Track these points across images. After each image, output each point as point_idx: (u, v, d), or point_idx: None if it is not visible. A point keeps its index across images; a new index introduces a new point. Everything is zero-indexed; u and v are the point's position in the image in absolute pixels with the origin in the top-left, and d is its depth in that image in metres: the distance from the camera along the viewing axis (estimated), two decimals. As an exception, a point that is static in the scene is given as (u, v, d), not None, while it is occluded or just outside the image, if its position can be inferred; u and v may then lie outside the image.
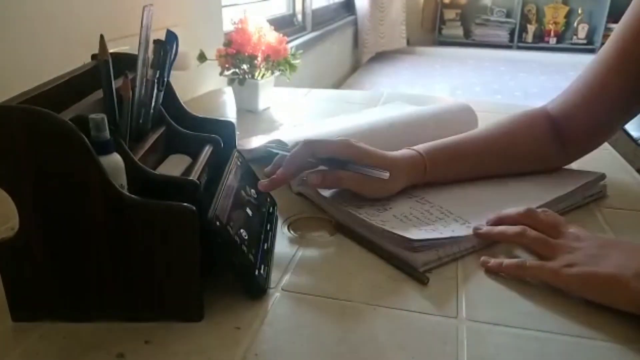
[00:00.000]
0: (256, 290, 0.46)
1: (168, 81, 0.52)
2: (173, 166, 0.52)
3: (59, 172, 0.38)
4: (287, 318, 0.44)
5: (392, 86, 3.06)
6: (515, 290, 0.47)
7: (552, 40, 4.22)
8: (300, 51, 1.08)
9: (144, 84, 0.49)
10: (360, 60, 3.55)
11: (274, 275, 0.49)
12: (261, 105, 1.03)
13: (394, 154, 0.61)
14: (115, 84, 0.46)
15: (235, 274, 0.46)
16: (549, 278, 0.47)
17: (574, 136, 0.66)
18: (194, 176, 0.46)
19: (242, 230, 0.47)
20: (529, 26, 4.25)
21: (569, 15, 4.21)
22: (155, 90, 0.50)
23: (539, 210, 0.54)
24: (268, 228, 0.55)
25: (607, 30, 4.02)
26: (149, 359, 0.39)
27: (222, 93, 1.17)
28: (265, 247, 0.51)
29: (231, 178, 0.51)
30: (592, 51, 4.06)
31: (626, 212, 0.62)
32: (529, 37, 4.26)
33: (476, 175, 0.66)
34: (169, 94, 0.55)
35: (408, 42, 4.09)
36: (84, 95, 0.46)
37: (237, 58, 0.97)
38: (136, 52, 0.48)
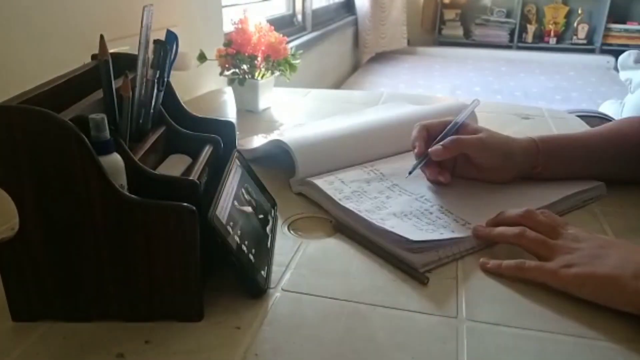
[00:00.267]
0: (256, 290, 0.46)
1: (168, 81, 0.52)
2: (173, 166, 0.52)
3: (59, 172, 0.38)
4: (287, 318, 0.44)
5: (392, 86, 3.06)
6: (515, 290, 0.47)
7: (552, 41, 4.22)
8: (300, 51, 1.08)
9: (144, 84, 0.49)
10: (361, 61, 3.55)
11: (274, 275, 0.49)
12: (261, 105, 1.03)
13: (513, 139, 0.65)
14: (115, 84, 0.46)
15: (235, 274, 0.46)
16: (547, 279, 0.47)
17: None
18: (194, 176, 0.46)
19: (242, 230, 0.47)
20: (529, 26, 4.25)
21: (569, 16, 4.21)
22: (155, 90, 0.50)
23: (538, 211, 0.54)
24: (268, 228, 0.55)
25: (607, 31, 4.03)
26: (149, 359, 0.39)
27: (222, 93, 1.17)
28: (265, 247, 0.51)
29: (231, 178, 0.51)
30: (592, 51, 4.06)
31: (626, 213, 0.62)
32: (529, 37, 4.26)
33: (588, 172, 0.65)
34: (169, 94, 0.55)
35: (408, 43, 4.09)
36: (84, 95, 0.46)
37: (237, 58, 0.97)
38: (136, 52, 0.48)
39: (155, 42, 0.48)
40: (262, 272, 0.47)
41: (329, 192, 0.61)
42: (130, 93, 0.46)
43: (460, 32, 4.43)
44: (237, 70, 0.99)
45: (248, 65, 0.98)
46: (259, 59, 0.98)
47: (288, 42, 1.03)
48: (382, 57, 3.72)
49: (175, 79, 0.55)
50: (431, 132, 0.65)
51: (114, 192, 0.39)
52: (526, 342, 0.41)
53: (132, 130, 0.48)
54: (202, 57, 0.99)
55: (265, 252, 0.50)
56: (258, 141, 0.78)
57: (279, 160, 0.70)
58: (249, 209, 0.52)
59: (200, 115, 0.59)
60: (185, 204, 0.40)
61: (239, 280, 0.46)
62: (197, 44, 1.02)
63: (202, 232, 0.41)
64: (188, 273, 0.42)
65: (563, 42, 4.24)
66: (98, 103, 0.45)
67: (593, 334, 0.42)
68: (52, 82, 0.45)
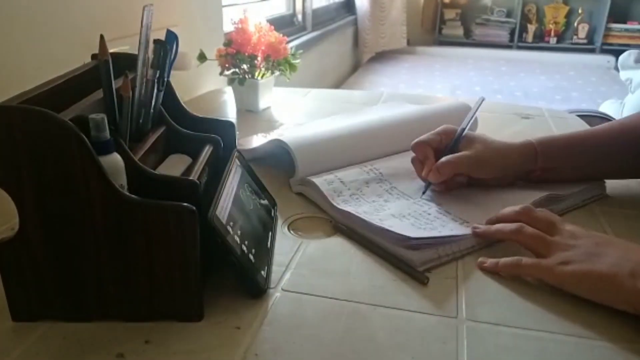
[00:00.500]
0: (256, 290, 0.46)
1: (168, 81, 0.52)
2: (173, 166, 0.52)
3: (59, 172, 0.38)
4: (287, 318, 0.44)
5: (392, 86, 3.06)
6: (515, 290, 0.47)
7: (553, 40, 4.22)
8: (300, 51, 1.08)
9: (144, 84, 0.49)
10: (361, 60, 3.55)
11: (274, 275, 0.49)
12: (261, 105, 1.03)
13: (505, 144, 0.64)
14: (115, 84, 0.46)
15: (235, 274, 0.46)
16: (544, 275, 0.47)
17: None
18: (194, 176, 0.46)
19: (242, 230, 0.47)
20: (529, 26, 4.25)
21: (569, 15, 4.21)
22: (155, 90, 0.50)
23: (536, 209, 0.54)
24: (268, 228, 0.55)
25: (608, 30, 4.02)
26: (149, 359, 0.39)
27: (222, 93, 1.17)
28: (265, 247, 0.51)
29: (231, 178, 0.51)
30: (592, 51, 4.06)
31: (626, 212, 0.62)
32: (529, 37, 4.26)
33: (591, 171, 0.65)
34: (169, 94, 0.55)
35: (408, 42, 4.08)
36: (84, 95, 0.46)
37: (237, 58, 0.97)
38: (136, 52, 0.48)
39: (155, 42, 0.49)
40: (262, 272, 0.47)
41: (327, 194, 0.61)
42: (130, 93, 0.46)
43: (460, 31, 4.43)
44: (237, 70, 0.99)
45: (248, 65, 0.98)
46: (259, 58, 0.98)
47: (288, 42, 1.03)
48: (382, 56, 3.72)
49: (175, 79, 0.55)
50: (433, 145, 0.63)
51: (114, 192, 0.39)
52: (526, 342, 0.41)
53: (132, 130, 0.48)
54: (202, 57, 0.99)
55: (265, 252, 0.50)
56: (258, 141, 0.78)
57: (279, 160, 0.70)
58: (248, 209, 0.52)
59: (200, 115, 0.59)
60: (185, 204, 0.40)
61: (239, 280, 0.46)
62: (197, 44, 1.02)
63: (202, 232, 0.41)
64: (188, 273, 0.42)
65: (563, 41, 4.24)
66: (98, 103, 0.45)
67: (593, 334, 0.42)
68: (52, 82, 0.45)
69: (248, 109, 1.03)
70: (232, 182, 0.51)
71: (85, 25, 0.77)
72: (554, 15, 4.21)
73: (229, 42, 0.97)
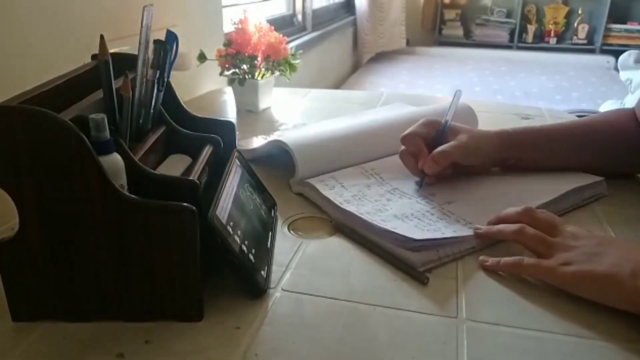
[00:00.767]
0: (256, 290, 0.46)
1: (168, 81, 0.52)
2: (173, 166, 0.52)
3: (59, 172, 0.38)
4: (287, 318, 0.44)
5: (392, 86, 3.06)
6: (515, 290, 0.47)
7: (553, 41, 4.22)
8: (300, 51, 1.08)
9: (144, 84, 0.49)
10: (360, 61, 3.54)
11: (274, 275, 0.49)
12: (261, 105, 1.03)
13: (484, 132, 0.67)
14: (115, 84, 0.46)
15: (235, 274, 0.46)
16: (545, 276, 0.47)
17: None
18: (194, 176, 0.46)
19: (242, 230, 0.47)
20: (529, 26, 4.24)
21: (569, 16, 4.21)
22: (155, 90, 0.50)
23: (538, 210, 0.54)
24: (268, 228, 0.55)
25: (607, 31, 4.02)
26: (149, 359, 0.39)
27: (222, 93, 1.17)
28: (265, 247, 0.51)
29: (231, 178, 0.51)
30: (592, 51, 4.06)
31: (626, 212, 0.62)
32: (529, 38, 4.26)
33: (555, 161, 0.67)
34: (169, 94, 0.55)
35: (408, 43, 4.08)
36: (84, 95, 0.46)
37: (237, 58, 0.97)
38: (136, 52, 0.48)
39: (155, 42, 0.49)
40: (262, 272, 0.47)
41: (330, 196, 0.61)
42: (130, 93, 0.46)
43: (460, 32, 4.42)
44: (237, 70, 0.99)
45: (248, 65, 0.98)
46: (259, 59, 0.98)
47: (288, 42, 1.03)
48: (382, 57, 3.71)
49: (175, 79, 0.55)
50: (422, 136, 0.65)
51: (114, 192, 0.39)
52: (526, 342, 0.41)
53: (132, 130, 0.48)
54: (202, 57, 0.99)
55: (265, 252, 0.50)
56: (258, 141, 0.78)
57: (279, 160, 0.70)
58: (248, 209, 0.52)
59: (200, 115, 0.59)
60: (185, 204, 0.40)
61: (239, 280, 0.46)
62: (197, 44, 1.02)
63: (202, 232, 0.41)
64: (188, 273, 0.42)
65: (563, 42, 4.24)
66: (98, 103, 0.45)
67: (593, 334, 0.42)
68: (52, 82, 0.45)
69: (248, 109, 1.03)
70: (232, 182, 0.51)
71: (85, 26, 0.77)
72: (553, 16, 4.21)
73: (229, 43, 0.97)
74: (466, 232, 0.54)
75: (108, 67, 0.45)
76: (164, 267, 0.41)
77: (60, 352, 0.40)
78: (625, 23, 4.04)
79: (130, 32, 0.71)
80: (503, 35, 4.28)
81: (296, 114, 1.04)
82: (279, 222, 0.59)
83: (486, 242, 0.54)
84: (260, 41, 0.97)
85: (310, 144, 0.69)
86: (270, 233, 0.54)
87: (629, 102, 1.76)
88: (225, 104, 1.10)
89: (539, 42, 4.26)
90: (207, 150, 0.53)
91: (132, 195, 0.40)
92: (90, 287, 0.42)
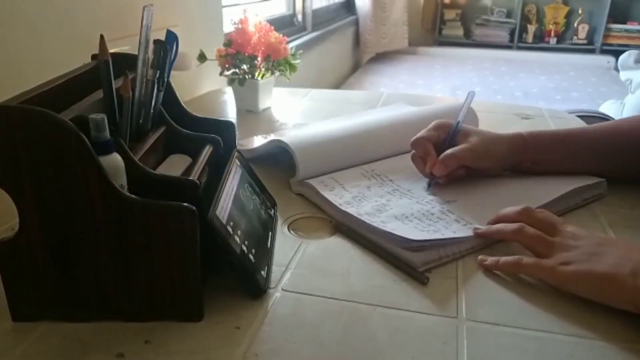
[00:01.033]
0: (256, 290, 0.46)
1: (168, 81, 0.52)
2: (173, 166, 0.52)
3: (59, 172, 0.38)
4: (287, 318, 0.44)
5: (392, 86, 3.06)
6: (515, 290, 0.47)
7: (553, 41, 4.22)
8: (300, 51, 1.08)
9: (144, 84, 0.49)
10: (361, 61, 3.54)
11: (274, 275, 0.49)
12: (261, 105, 1.03)
13: (497, 135, 0.66)
14: (115, 84, 0.46)
15: (235, 274, 0.46)
16: (545, 275, 0.47)
17: None
18: (194, 176, 0.46)
19: (242, 230, 0.47)
20: (529, 26, 4.24)
21: (569, 16, 4.21)
22: (155, 90, 0.50)
23: (537, 210, 0.54)
24: (268, 228, 0.55)
25: (607, 31, 4.02)
26: (149, 359, 0.39)
27: (222, 93, 1.17)
28: (265, 247, 0.51)
29: (231, 178, 0.51)
30: (592, 51, 4.06)
31: (626, 212, 0.62)
32: (529, 38, 4.26)
33: (580, 165, 0.66)
34: (169, 94, 0.55)
35: (408, 43, 4.08)
36: (84, 95, 0.46)
37: (237, 58, 0.97)
38: (136, 52, 0.48)
39: (155, 42, 0.49)
40: (262, 272, 0.47)
41: (330, 198, 0.61)
42: (130, 93, 0.46)
43: (460, 32, 4.42)
44: (237, 70, 0.99)
45: (248, 65, 0.98)
46: (259, 59, 0.98)
47: (288, 42, 1.03)
48: (382, 57, 3.71)
49: (175, 79, 0.55)
50: (432, 140, 0.65)
51: (114, 192, 0.39)
52: (526, 342, 0.41)
53: (132, 130, 0.48)
54: (202, 57, 0.99)
55: (265, 252, 0.50)
56: (258, 141, 0.78)
57: (279, 160, 0.70)
58: (248, 209, 0.52)
59: (200, 115, 0.59)
60: (185, 204, 0.40)
61: (239, 280, 0.46)
62: (197, 44, 1.02)
63: (202, 232, 0.41)
64: (188, 273, 0.42)
65: (563, 42, 4.24)
66: (98, 103, 0.45)
67: (593, 334, 0.42)
68: (52, 82, 0.45)
69: (248, 109, 1.03)
70: (232, 182, 0.51)
71: (85, 26, 0.77)
72: (554, 16, 4.21)
73: (229, 43, 0.97)
74: (466, 232, 0.54)
75: (108, 67, 0.45)
76: (164, 267, 0.41)
77: (60, 352, 0.40)
78: (625, 23, 4.04)
79: (130, 32, 0.71)
80: (503, 35, 4.28)
81: (296, 114, 1.04)
82: (279, 222, 0.59)
83: (486, 242, 0.54)
84: (260, 41, 0.97)
85: (311, 144, 0.69)
86: (270, 233, 0.54)
87: (629, 102, 1.76)
88: (225, 104, 1.10)
89: (539, 42, 4.26)
90: (207, 150, 0.53)
91: (132, 195, 0.40)
92: (90, 287, 0.42)
